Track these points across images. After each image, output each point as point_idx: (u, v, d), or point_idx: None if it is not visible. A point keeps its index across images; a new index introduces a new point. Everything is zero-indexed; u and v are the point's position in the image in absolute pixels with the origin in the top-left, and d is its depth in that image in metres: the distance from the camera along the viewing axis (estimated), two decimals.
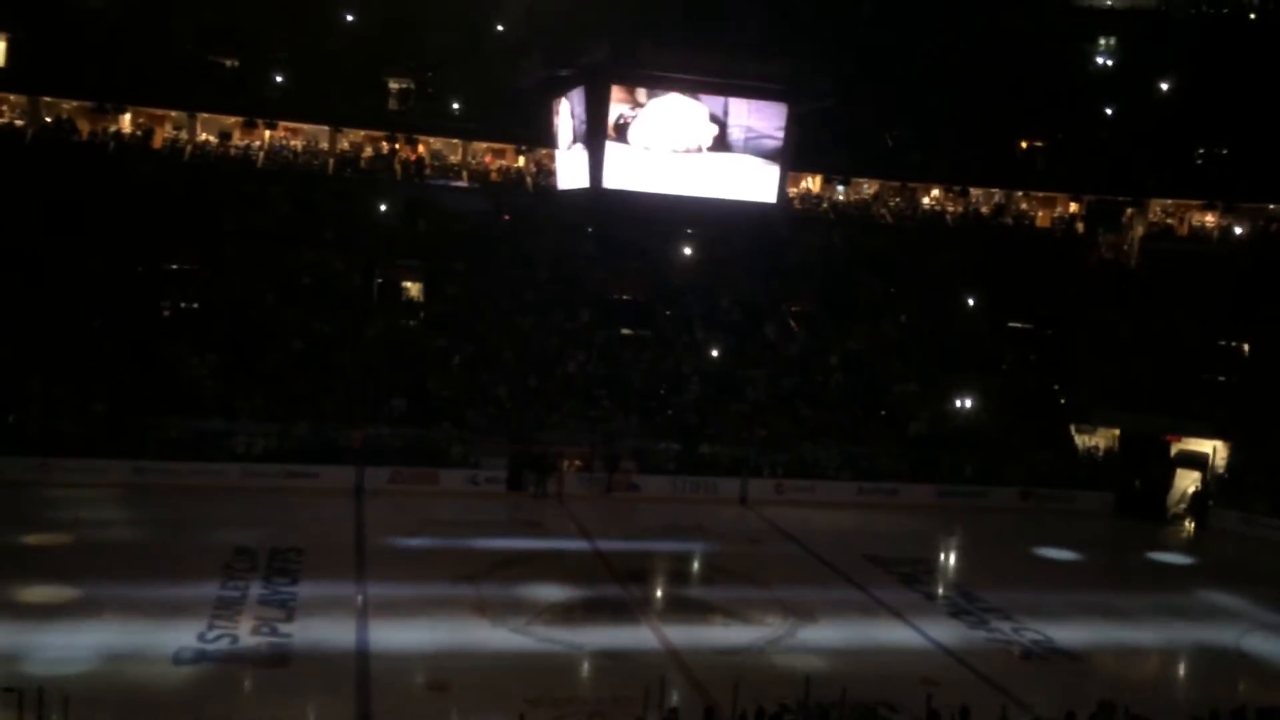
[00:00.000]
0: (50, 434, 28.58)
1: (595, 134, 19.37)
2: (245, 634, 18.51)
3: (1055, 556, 29.09)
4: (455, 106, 41.31)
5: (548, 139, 23.29)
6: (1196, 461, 35.80)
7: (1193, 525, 33.95)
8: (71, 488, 26.93)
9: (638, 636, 20.37)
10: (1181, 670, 22.32)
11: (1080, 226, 44.56)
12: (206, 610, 19.41)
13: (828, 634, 21.07)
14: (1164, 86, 43.78)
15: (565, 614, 21.21)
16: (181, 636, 18.05)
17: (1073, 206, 45.24)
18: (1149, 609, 24.52)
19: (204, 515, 25.98)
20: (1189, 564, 30.30)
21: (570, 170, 21.27)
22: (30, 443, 28.22)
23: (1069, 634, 21.90)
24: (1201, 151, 43.93)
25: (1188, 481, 35.48)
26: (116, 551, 22.81)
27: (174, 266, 35.46)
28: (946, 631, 21.85)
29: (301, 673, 17.19)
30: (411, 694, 16.80)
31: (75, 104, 38.32)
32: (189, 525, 25.07)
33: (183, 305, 34.35)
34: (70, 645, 17.28)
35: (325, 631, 19.03)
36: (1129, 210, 43.86)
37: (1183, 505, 34.87)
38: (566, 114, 20.96)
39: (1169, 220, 44.14)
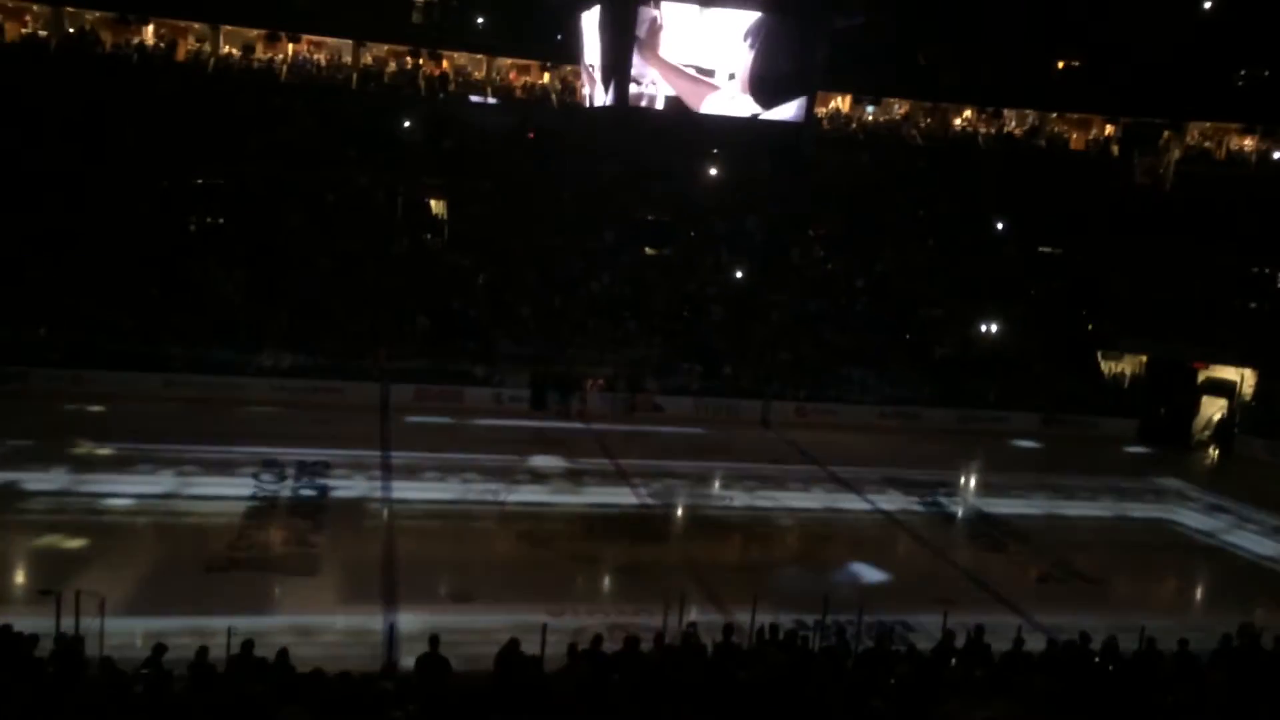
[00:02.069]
0: (81, 347, 28.99)
1: (621, 49, 19.09)
2: (274, 544, 18.94)
3: (1071, 481, 29.18)
4: (480, 21, 40.65)
5: (573, 55, 22.96)
6: (1223, 389, 35.59)
7: (1216, 452, 33.87)
8: (103, 399, 27.44)
9: (658, 551, 20.67)
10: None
11: (1115, 149, 43.72)
12: (237, 520, 19.85)
13: (846, 554, 21.31)
14: (1205, 5, 42.45)
15: (586, 528, 21.54)
16: (212, 545, 18.49)
17: (1108, 129, 44.32)
18: (1167, 535, 24.68)
19: (232, 427, 26.45)
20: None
21: (595, 87, 21.00)
22: (62, 356, 28.72)
23: (1085, 557, 22.08)
24: (1243, 73, 42.75)
25: (1213, 409, 35.32)
26: (147, 462, 23.23)
27: (200, 181, 35.42)
28: (965, 553, 22.07)
29: (329, 583, 17.59)
30: (436, 605, 17.15)
31: (98, 14, 38.01)
32: (217, 437, 25.51)
33: (209, 220, 34.37)
34: (106, 551, 17.76)
35: (352, 542, 19.43)
36: (1166, 133, 42.92)
37: (1207, 432, 34.76)
38: (592, 29, 20.62)
39: (1206, 144, 43.20)
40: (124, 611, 14.57)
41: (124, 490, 21.14)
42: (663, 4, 18.76)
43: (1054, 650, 13.63)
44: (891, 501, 25.17)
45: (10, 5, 37.33)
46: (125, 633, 13.70)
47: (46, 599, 13.02)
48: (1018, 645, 13.58)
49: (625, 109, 19.57)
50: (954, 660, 13.29)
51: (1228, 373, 35.68)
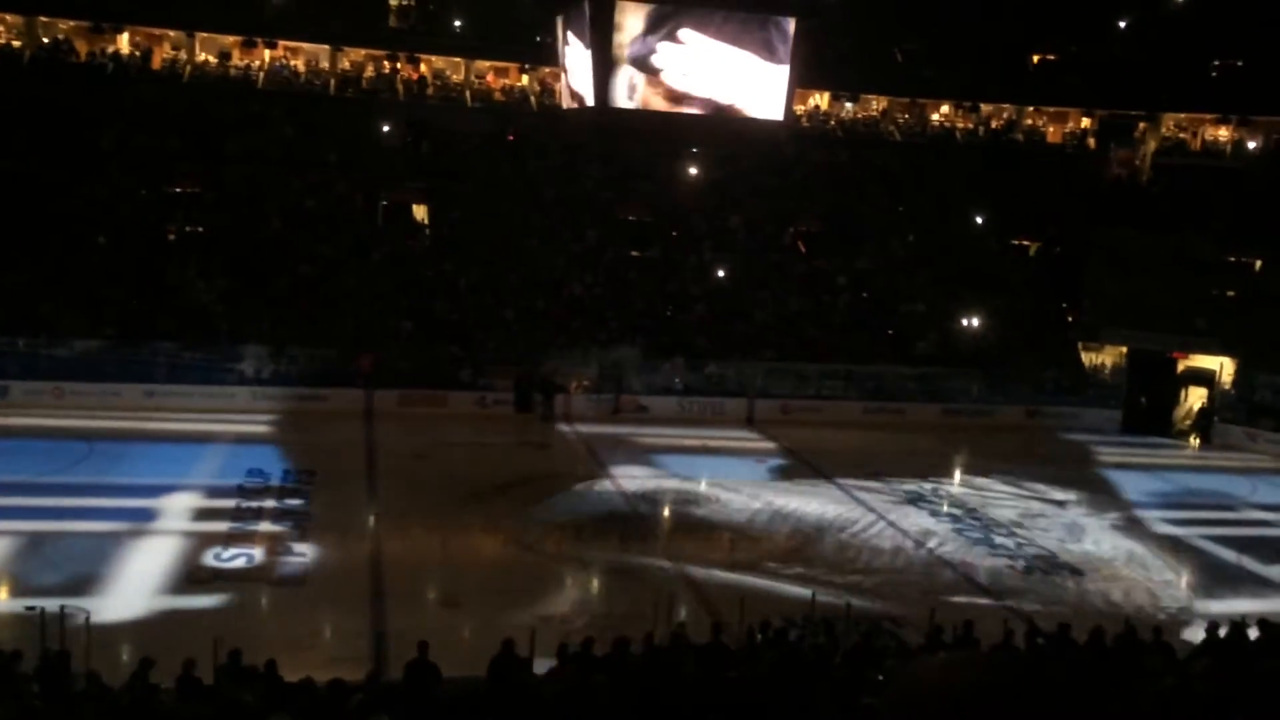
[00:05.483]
0: (61, 358, 28.80)
1: (600, 51, 19.05)
2: (260, 554, 18.84)
3: (1060, 475, 29.35)
4: (457, 24, 40.61)
5: (552, 57, 22.96)
6: (1203, 378, 35.88)
7: (1198, 441, 34.17)
8: (84, 411, 27.26)
9: (645, 554, 20.67)
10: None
11: (1092, 142, 44.04)
12: (222, 530, 19.75)
13: (833, 550, 21.36)
14: None
15: (574, 532, 21.49)
16: (197, 555, 18.39)
17: (1085, 122, 44.63)
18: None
19: (216, 437, 26.31)
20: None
21: (575, 89, 20.97)
22: (42, 367, 28.53)
23: (1068, 547, 22.22)
24: (1216, 64, 43.10)
25: (1194, 398, 35.62)
26: (132, 471, 23.11)
27: (178, 190, 35.25)
28: (951, 548, 22.13)
29: (317, 591, 17.52)
30: (425, 610, 17.14)
31: (71, 24, 37.78)
32: (201, 446, 25.40)
33: (188, 229, 34.21)
34: (89, 566, 17.62)
35: (339, 550, 19.35)
36: (1142, 125, 43.26)
37: (1188, 422, 35.05)
38: (571, 30, 20.59)
39: (1182, 135, 43.56)
40: (109, 625, 14.50)
41: (106, 504, 21.01)
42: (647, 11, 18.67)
43: (1040, 642, 13.72)
44: (877, 498, 25.28)
45: None
46: (111, 646, 13.63)
47: (30, 615, 12.93)
48: (1006, 638, 13.66)
49: (604, 110, 19.53)
50: (941, 654, 13.35)
51: (1207, 362, 35.96)
